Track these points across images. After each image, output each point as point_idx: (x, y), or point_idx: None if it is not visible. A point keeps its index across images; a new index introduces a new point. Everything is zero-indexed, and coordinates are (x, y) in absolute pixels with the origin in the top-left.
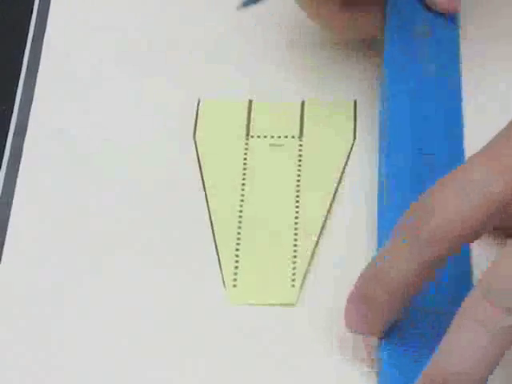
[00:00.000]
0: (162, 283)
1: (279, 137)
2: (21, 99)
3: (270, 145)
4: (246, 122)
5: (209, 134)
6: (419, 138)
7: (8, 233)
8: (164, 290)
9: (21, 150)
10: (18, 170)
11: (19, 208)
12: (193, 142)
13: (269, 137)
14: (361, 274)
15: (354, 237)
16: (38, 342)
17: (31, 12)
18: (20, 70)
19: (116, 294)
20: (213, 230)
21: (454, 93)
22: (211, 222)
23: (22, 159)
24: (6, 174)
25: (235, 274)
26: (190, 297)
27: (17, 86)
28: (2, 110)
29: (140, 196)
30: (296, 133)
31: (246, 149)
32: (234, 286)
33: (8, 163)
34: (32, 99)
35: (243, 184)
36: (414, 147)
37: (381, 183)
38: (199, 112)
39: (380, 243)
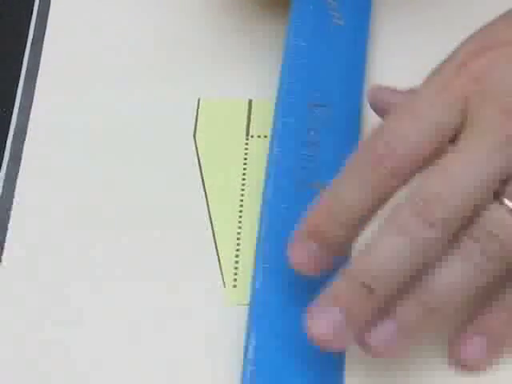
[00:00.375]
0: (161, 283)
1: None
2: (21, 101)
3: None
4: (246, 122)
5: (209, 133)
6: (314, 89)
7: (8, 234)
8: (163, 289)
9: (20, 152)
10: (17, 172)
11: (19, 210)
12: (193, 141)
13: (269, 136)
14: (310, 210)
15: None
16: (37, 342)
17: (31, 13)
18: (20, 71)
19: (115, 294)
20: (213, 230)
21: (359, 46)
22: (211, 222)
23: (22, 162)
24: (6, 175)
25: (235, 274)
26: (190, 296)
27: (17, 87)
28: (1, 112)
29: (140, 196)
30: None
31: (246, 148)
32: (234, 286)
33: (8, 165)
34: (32, 101)
35: (243, 184)
36: (306, 98)
37: (270, 136)
38: (199, 112)
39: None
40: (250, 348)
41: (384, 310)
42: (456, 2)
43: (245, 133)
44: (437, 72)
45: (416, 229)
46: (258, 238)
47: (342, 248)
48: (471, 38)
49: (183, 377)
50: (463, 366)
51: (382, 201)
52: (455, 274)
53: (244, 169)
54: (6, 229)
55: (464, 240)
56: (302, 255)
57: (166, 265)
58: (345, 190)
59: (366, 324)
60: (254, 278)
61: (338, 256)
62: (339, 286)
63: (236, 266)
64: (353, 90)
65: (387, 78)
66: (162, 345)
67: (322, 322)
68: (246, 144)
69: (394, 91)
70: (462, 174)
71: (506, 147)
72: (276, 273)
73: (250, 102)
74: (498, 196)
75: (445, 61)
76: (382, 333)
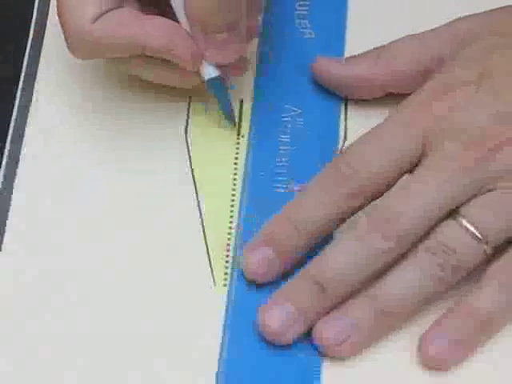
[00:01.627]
0: (150, 282)
1: None
2: (20, 101)
3: None
4: (237, 121)
5: (200, 132)
6: (287, 97)
7: (6, 234)
8: (153, 287)
9: (19, 153)
10: (15, 172)
11: (17, 210)
12: (184, 140)
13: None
14: (270, 220)
15: None
16: (37, 339)
17: (31, 13)
18: (20, 72)
19: (108, 293)
20: (203, 229)
21: (334, 53)
22: (202, 222)
23: (20, 162)
24: (4, 175)
25: (225, 273)
26: (181, 295)
27: (16, 88)
28: (1, 112)
29: (130, 195)
30: None
31: (238, 148)
32: (224, 285)
33: (6, 165)
34: (31, 101)
35: (234, 184)
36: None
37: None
38: (191, 111)
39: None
40: (224, 348)
41: (342, 310)
42: (428, 12)
43: (236, 132)
44: (402, 107)
45: (373, 240)
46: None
47: (294, 256)
48: (434, 76)
49: (172, 374)
50: (430, 364)
51: (340, 219)
52: (408, 281)
53: (235, 168)
54: (4, 230)
55: (419, 251)
56: (256, 259)
57: (156, 263)
58: (307, 203)
59: (323, 320)
60: (232, 275)
61: (289, 264)
62: (294, 283)
63: (226, 264)
64: (327, 98)
65: None
66: (150, 342)
67: (274, 314)
68: (237, 144)
69: (335, 61)
70: (417, 196)
71: (460, 177)
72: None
73: (242, 102)
74: (454, 215)
75: (410, 97)
76: (338, 329)
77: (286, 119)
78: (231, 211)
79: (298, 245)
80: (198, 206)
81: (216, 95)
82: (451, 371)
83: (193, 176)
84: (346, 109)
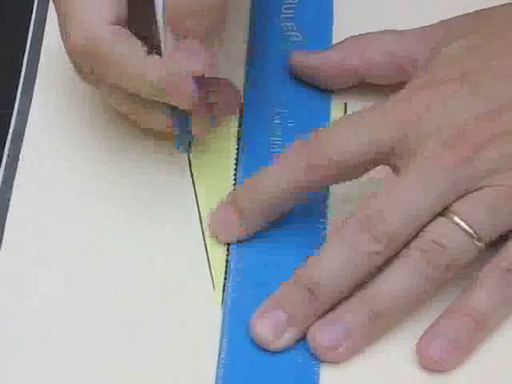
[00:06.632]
0: (150, 285)
1: None
2: (20, 102)
3: None
4: (237, 124)
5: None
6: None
7: (5, 234)
8: (152, 291)
9: (18, 153)
10: (15, 173)
11: (16, 212)
12: None
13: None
14: (237, 187)
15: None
16: (36, 340)
17: (30, 14)
18: (19, 73)
19: (108, 294)
20: (203, 233)
21: None
22: (201, 225)
23: (20, 162)
24: (4, 176)
25: (225, 278)
26: (180, 298)
27: (16, 89)
28: (1, 113)
29: (130, 196)
30: None
31: (237, 149)
32: (223, 289)
33: (6, 166)
34: (31, 102)
35: (234, 185)
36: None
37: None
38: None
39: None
40: (223, 351)
41: (335, 314)
42: (414, 14)
43: (236, 135)
44: (382, 102)
45: (361, 242)
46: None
47: (254, 223)
48: (417, 75)
49: (170, 379)
50: (428, 366)
51: (298, 192)
52: (399, 281)
53: (234, 174)
54: (3, 230)
55: (410, 251)
56: (220, 219)
57: (155, 267)
58: (269, 173)
59: (317, 326)
60: (228, 285)
61: (248, 231)
62: (286, 289)
63: (226, 268)
64: (316, 98)
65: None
66: (149, 344)
67: (266, 321)
68: (237, 145)
69: (311, 52)
70: (402, 196)
71: (447, 176)
72: (250, 278)
73: (242, 104)
74: (444, 212)
75: (391, 95)
76: (332, 333)
77: (276, 121)
78: None
79: (256, 214)
80: (198, 210)
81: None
82: (449, 372)
83: (192, 181)
84: (345, 111)
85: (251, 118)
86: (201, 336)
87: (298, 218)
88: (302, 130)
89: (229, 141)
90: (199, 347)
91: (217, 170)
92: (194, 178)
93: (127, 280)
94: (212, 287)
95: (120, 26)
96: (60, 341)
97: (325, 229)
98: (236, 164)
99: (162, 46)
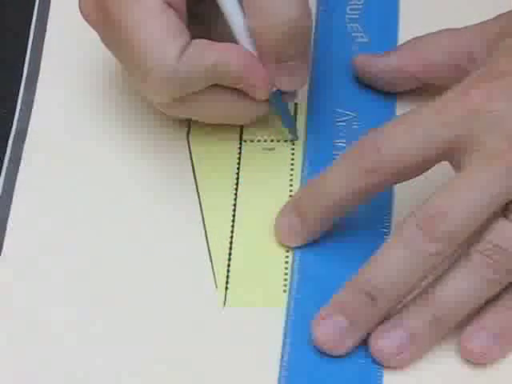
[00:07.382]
0: (153, 284)
1: (272, 141)
2: (22, 102)
3: (263, 148)
4: (239, 126)
5: (203, 136)
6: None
7: (6, 235)
8: (155, 290)
9: (20, 154)
10: (17, 173)
11: (18, 211)
12: (186, 144)
13: (262, 141)
14: (298, 191)
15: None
16: (37, 340)
17: (31, 14)
18: (21, 73)
19: (110, 295)
20: (206, 233)
21: None
22: (204, 225)
23: (22, 163)
24: (6, 176)
25: (227, 276)
26: (183, 298)
27: (18, 89)
28: (3, 113)
29: (132, 197)
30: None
31: (239, 152)
32: (227, 288)
33: (8, 167)
34: (33, 102)
35: (236, 187)
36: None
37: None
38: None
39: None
40: (285, 354)
41: (396, 319)
42: (478, 12)
43: (238, 136)
44: (439, 96)
45: (420, 243)
46: None
47: (317, 226)
48: (477, 66)
49: (175, 377)
50: (470, 356)
51: (360, 194)
52: (462, 287)
53: (237, 173)
54: (5, 230)
55: (471, 253)
56: (284, 225)
57: (159, 266)
58: (330, 177)
59: (379, 332)
60: (291, 286)
61: (312, 234)
62: (344, 295)
63: (228, 268)
64: (382, 100)
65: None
66: (152, 344)
67: (327, 327)
68: (239, 148)
69: (374, 56)
70: (466, 195)
71: (507, 175)
72: (313, 280)
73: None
74: (505, 213)
75: (449, 89)
76: (395, 339)
77: (340, 124)
78: (233, 215)
79: (319, 218)
80: (201, 211)
81: (278, 110)
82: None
83: (195, 181)
84: None
85: (316, 119)
86: (200, 337)
87: (361, 220)
88: (366, 133)
89: (231, 144)
90: (199, 346)
91: (219, 172)
92: (197, 179)
93: (127, 280)
94: (214, 286)
95: None
96: (60, 341)
97: (389, 229)
98: (238, 164)
99: None
